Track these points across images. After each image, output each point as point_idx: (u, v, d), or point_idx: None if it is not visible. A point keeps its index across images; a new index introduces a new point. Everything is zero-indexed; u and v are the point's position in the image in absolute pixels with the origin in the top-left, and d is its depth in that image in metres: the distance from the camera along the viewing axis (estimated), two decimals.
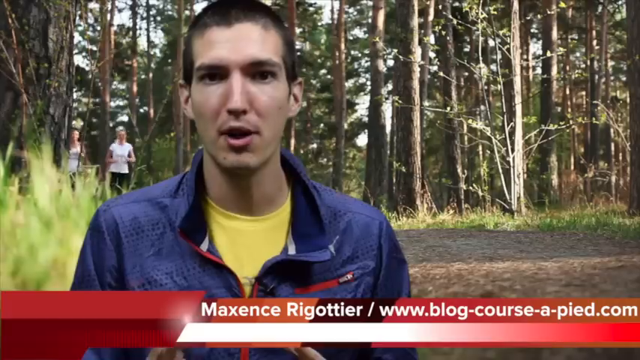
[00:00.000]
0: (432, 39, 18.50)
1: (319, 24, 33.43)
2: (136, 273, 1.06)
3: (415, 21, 12.65)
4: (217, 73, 1.03)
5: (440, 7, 14.50)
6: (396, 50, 12.59)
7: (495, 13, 11.49)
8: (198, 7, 28.88)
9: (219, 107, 1.02)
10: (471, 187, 11.82)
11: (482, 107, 14.81)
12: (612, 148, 26.95)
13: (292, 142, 27.87)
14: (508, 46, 11.60)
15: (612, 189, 18.13)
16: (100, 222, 1.09)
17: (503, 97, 11.59)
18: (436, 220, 11.18)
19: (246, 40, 1.03)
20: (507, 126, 11.33)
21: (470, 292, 3.25)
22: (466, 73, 25.70)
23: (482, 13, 11.25)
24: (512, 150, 11.25)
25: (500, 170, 11.37)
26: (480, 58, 11.78)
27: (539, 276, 3.75)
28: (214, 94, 1.03)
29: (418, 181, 12.53)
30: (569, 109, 30.70)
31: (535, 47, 32.71)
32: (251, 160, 1.03)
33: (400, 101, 12.32)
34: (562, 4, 12.86)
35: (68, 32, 5.10)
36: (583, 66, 28.13)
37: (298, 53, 32.36)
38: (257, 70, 1.03)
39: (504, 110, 11.51)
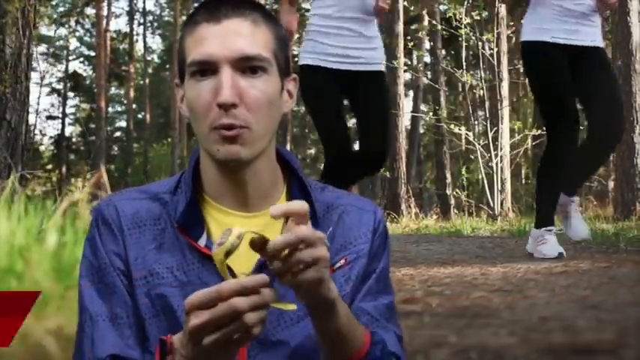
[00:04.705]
0: (427, 44, 18.53)
1: None
2: (139, 265, 1.07)
3: (400, 26, 12.68)
4: (208, 68, 1.04)
5: (425, 12, 14.51)
6: None
7: (479, 18, 11.51)
8: None
9: (210, 102, 1.03)
10: (454, 193, 11.81)
11: (480, 112, 14.77)
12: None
13: (289, 147, 27.88)
14: (492, 51, 11.61)
15: (609, 193, 18.07)
16: (104, 214, 1.10)
17: (486, 102, 11.60)
18: (419, 226, 11.17)
19: (235, 35, 1.04)
20: (491, 131, 11.33)
21: (398, 296, 3.24)
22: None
23: (465, 19, 11.26)
24: (496, 155, 11.25)
25: (484, 175, 11.37)
26: (464, 64, 11.79)
27: (477, 281, 3.75)
28: (205, 89, 1.04)
29: (403, 186, 12.53)
30: None
31: None
32: (242, 152, 1.04)
33: None
34: None
35: (26, 38, 5.12)
36: None
37: (295, 59, 32.45)
38: (247, 65, 1.04)
39: (487, 115, 11.51)
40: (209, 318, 0.86)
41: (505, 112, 12.25)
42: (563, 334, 2.14)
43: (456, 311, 2.75)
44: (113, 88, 33.34)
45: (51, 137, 33.84)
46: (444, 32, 12.16)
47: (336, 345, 0.99)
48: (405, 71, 13.71)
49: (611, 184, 18.88)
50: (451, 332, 2.29)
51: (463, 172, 12.42)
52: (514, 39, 12.54)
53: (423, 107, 23.69)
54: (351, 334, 1.00)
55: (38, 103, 27.89)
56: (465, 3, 11.17)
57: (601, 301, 2.73)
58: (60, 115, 32.88)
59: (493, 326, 2.36)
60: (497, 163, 11.20)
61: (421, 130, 28.99)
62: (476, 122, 21.37)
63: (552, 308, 2.67)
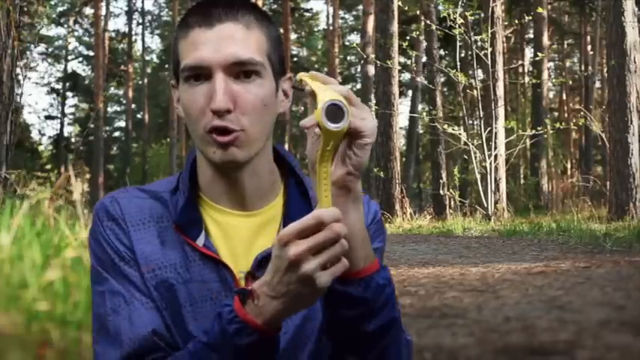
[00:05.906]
0: (424, 44, 18.51)
1: (315, 30, 33.42)
2: (145, 259, 1.08)
3: (395, 27, 12.65)
4: (201, 73, 1.04)
5: (418, 12, 14.47)
6: (373, 55, 12.57)
7: (473, 18, 11.48)
8: None
9: (204, 107, 1.04)
10: (448, 193, 11.78)
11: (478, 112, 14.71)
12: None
13: (287, 147, 27.85)
14: (486, 51, 11.59)
15: (607, 194, 18.01)
16: (108, 210, 1.11)
17: (480, 102, 11.58)
18: (413, 226, 11.15)
19: (227, 41, 1.04)
20: (485, 131, 11.31)
21: None
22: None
23: (459, 19, 11.23)
24: (490, 155, 11.23)
25: (478, 175, 11.35)
26: (458, 64, 11.77)
27: (454, 281, 3.75)
28: (199, 94, 1.04)
29: (397, 186, 12.50)
30: (567, 114, 30.60)
31: (532, 52, 32.61)
32: (238, 154, 1.04)
33: (377, 106, 12.33)
34: (540, 9, 12.82)
35: (10, 38, 5.12)
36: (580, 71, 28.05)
37: (295, 59, 32.15)
38: (240, 70, 1.04)
39: (481, 115, 11.50)
40: (312, 244, 0.88)
41: (500, 111, 12.22)
42: (522, 334, 2.13)
43: (424, 311, 2.75)
44: (112, 88, 33.31)
45: (50, 137, 33.87)
46: (439, 32, 12.10)
47: (358, 244, 0.99)
48: (400, 71, 13.66)
49: (608, 184, 18.82)
50: (413, 332, 2.29)
51: (456, 172, 12.40)
52: (512, 39, 12.45)
53: (421, 107, 23.68)
54: (367, 238, 1.00)
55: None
56: (460, 3, 11.13)
57: (569, 302, 2.73)
58: (59, 115, 32.90)
59: (456, 326, 2.36)
60: (490, 163, 11.17)
61: (420, 131, 28.96)
62: (476, 122, 21.34)
63: (520, 308, 2.66)
